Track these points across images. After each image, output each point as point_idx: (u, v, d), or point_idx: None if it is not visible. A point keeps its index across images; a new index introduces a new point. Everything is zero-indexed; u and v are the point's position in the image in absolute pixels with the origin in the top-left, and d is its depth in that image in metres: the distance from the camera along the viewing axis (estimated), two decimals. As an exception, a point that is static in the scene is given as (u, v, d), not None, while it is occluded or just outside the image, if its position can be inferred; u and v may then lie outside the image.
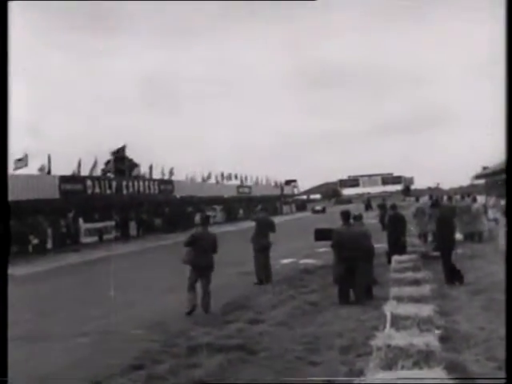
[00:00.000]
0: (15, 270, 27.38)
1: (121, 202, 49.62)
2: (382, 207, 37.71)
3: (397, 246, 19.23)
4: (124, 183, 50.65)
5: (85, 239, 41.96)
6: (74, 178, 44.88)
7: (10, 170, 37.70)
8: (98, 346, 11.63)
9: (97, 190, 46.18)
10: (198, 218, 15.64)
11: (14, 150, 38.99)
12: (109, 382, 8.83)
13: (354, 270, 14.07)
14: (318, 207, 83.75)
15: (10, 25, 7.51)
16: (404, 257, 17.18)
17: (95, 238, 43.33)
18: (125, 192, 50.33)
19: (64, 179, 42.71)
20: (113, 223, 46.80)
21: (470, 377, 7.96)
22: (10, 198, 29.10)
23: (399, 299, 10.95)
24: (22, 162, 39.40)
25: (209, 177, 70.42)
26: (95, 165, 48.85)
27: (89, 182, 45.54)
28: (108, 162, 57.25)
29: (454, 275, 15.59)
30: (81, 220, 42.91)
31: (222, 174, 74.10)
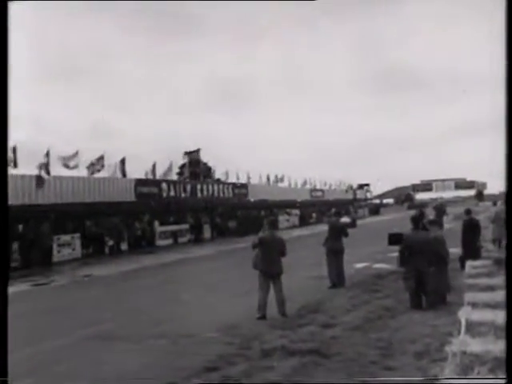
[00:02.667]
0: (93, 271, 27.97)
1: (195, 205, 50.03)
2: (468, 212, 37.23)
3: (471, 251, 19.02)
4: (198, 186, 51.02)
5: (160, 242, 42.45)
6: (150, 181, 45.38)
7: (85, 173, 38.37)
8: (173, 347, 11.76)
9: (172, 193, 46.62)
10: (265, 221, 15.67)
11: (91, 153, 39.78)
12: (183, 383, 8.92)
13: (425, 276, 13.97)
14: (345, 219, 59.96)
15: (10, 25, 7.54)
16: (478, 262, 16.95)
17: (170, 241, 43.82)
18: (199, 195, 50.70)
19: (140, 182, 43.24)
20: (187, 226, 47.22)
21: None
22: (87, 199, 29.72)
23: (474, 305, 10.81)
24: (99, 164, 40.02)
25: (282, 180, 70.40)
26: (170, 168, 49.35)
27: (164, 185, 45.97)
28: (183, 166, 57.70)
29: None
30: (156, 223, 43.43)
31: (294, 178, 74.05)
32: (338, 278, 18.29)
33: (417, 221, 14.78)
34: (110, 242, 37.48)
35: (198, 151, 56.43)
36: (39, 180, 33.53)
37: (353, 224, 49.75)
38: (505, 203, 8.99)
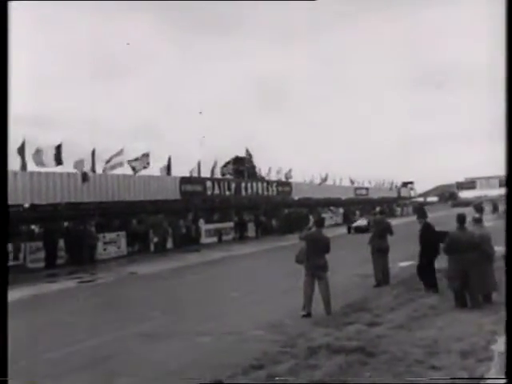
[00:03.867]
0: (139, 269, 28.18)
1: (239, 203, 50.17)
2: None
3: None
4: (243, 185, 51.15)
5: (204, 240, 42.60)
6: (195, 179, 45.58)
7: (130, 171, 38.67)
8: (219, 345, 11.85)
9: (216, 191, 46.81)
10: (312, 219, 15.74)
11: (136, 152, 40.09)
12: (230, 381, 8.94)
13: (470, 274, 13.86)
14: (360, 222, 52.51)
15: (10, 25, 7.57)
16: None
17: (214, 239, 43.96)
18: (243, 193, 50.83)
19: (184, 180, 43.47)
20: (231, 224, 47.33)
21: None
22: (133, 197, 30.01)
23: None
24: (144, 162, 40.31)
25: (326, 178, 70.26)
26: (215, 166, 49.52)
27: (208, 184, 46.19)
28: (227, 164, 57.86)
29: None
30: (201, 221, 43.59)
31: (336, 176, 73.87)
32: (383, 277, 18.26)
33: (462, 219, 14.66)
34: (155, 240, 37.71)
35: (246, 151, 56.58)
36: (84, 176, 33.96)
37: (367, 228, 44.96)
38: (505, 203, 8.90)
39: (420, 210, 19.18)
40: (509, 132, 7.87)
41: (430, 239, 16.32)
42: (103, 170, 37.04)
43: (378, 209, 21.14)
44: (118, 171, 38.05)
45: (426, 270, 16.23)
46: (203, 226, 43.36)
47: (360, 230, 47.47)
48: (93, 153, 36.52)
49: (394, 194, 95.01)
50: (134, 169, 39.14)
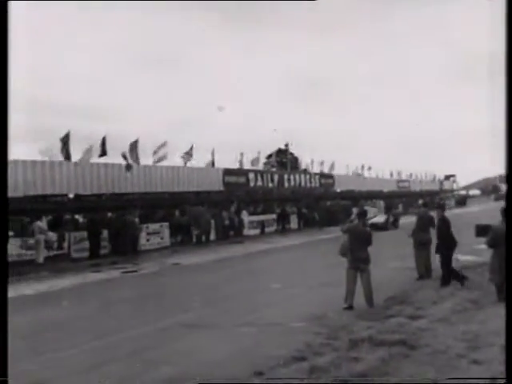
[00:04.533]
0: (182, 260, 28.35)
1: (282, 195, 50.20)
2: None
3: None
4: (285, 177, 51.19)
5: (247, 232, 42.67)
6: (238, 171, 45.74)
7: (176, 163, 39.03)
8: (261, 336, 11.93)
9: (259, 183, 46.93)
10: (355, 211, 15.77)
11: (182, 144, 40.39)
12: (272, 373, 8.96)
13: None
14: (378, 218, 46.66)
15: (10, 25, 7.55)
16: None
17: (257, 231, 44.01)
18: (286, 185, 50.87)
19: (228, 172, 43.64)
20: (274, 216, 47.35)
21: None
22: (176, 189, 30.19)
23: None
24: (189, 155, 40.68)
25: (369, 171, 70.05)
26: (258, 158, 49.68)
27: (251, 175, 46.32)
28: (270, 156, 58.00)
29: None
30: (244, 212, 43.65)
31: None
32: (425, 270, 18.21)
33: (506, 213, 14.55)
34: (198, 231, 37.86)
35: (286, 144, 56.66)
36: (128, 166, 34.36)
37: (385, 226, 43.15)
38: (505, 202, 8.84)
39: (438, 204, 19.17)
40: (509, 132, 7.87)
41: (447, 232, 16.38)
42: (154, 162, 37.48)
43: (421, 201, 21.00)
44: (163, 162, 38.47)
45: (447, 263, 16.25)
46: (246, 217, 43.40)
47: (376, 227, 40.73)
48: (136, 143, 36.83)
49: (437, 187, 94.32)
50: (185, 163, 39.72)
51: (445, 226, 16.74)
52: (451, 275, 16.30)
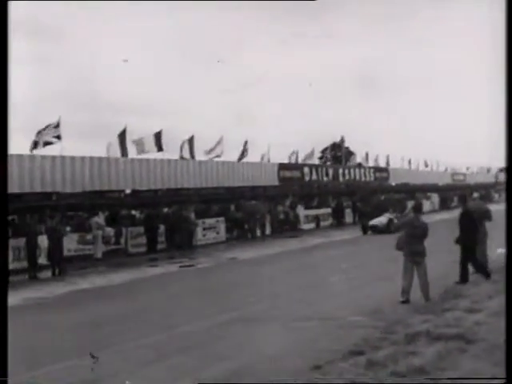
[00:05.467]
0: (238, 254, 28.48)
1: (337, 189, 50.11)
2: None
3: None
4: (340, 170, 51.11)
5: (303, 226, 42.64)
6: (293, 166, 45.83)
7: (231, 158, 39.28)
8: (318, 330, 11.95)
9: (314, 177, 46.93)
10: (410, 204, 15.74)
11: (237, 140, 40.62)
12: (330, 367, 8.90)
13: None
14: (381, 218, 38.87)
15: (10, 25, 7.59)
16: None
17: (312, 225, 43.97)
18: (341, 179, 50.79)
19: (283, 166, 43.73)
20: (329, 210, 47.25)
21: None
22: (231, 184, 30.25)
23: None
24: (244, 149, 41.00)
25: (426, 165, 69.53)
26: (312, 152, 49.70)
27: (306, 170, 46.35)
28: (325, 150, 57.95)
29: None
30: (300, 207, 43.61)
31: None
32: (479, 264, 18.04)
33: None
34: (254, 226, 37.96)
35: (342, 139, 56.56)
36: (182, 159, 34.82)
37: (387, 228, 36.06)
38: (506, 201, 8.72)
39: (461, 197, 19.04)
40: (509, 129, 7.82)
41: (469, 225, 16.22)
42: (209, 158, 37.89)
43: (475, 194, 20.82)
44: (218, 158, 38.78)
45: (472, 257, 16.10)
46: (302, 211, 43.36)
47: (377, 230, 37.06)
48: (191, 140, 37.17)
49: (492, 180, 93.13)
50: (241, 157, 40.03)
51: (468, 218, 16.58)
52: (477, 268, 16.12)
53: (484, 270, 16.13)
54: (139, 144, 34.00)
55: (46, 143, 29.47)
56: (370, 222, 38.79)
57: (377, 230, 37.16)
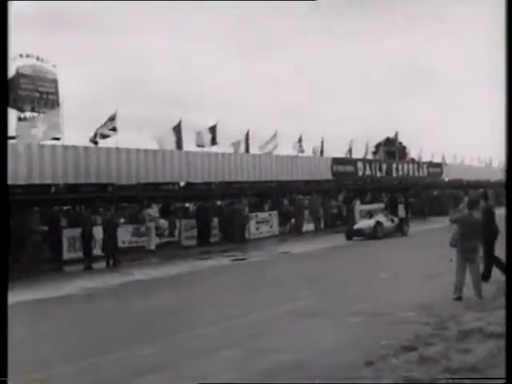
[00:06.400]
0: (290, 248, 28.57)
1: (390, 184, 49.92)
2: None
3: None
4: (394, 166, 50.90)
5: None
6: (346, 160, 45.80)
7: (285, 152, 39.41)
8: (370, 325, 11.96)
9: (367, 172, 46.85)
10: (465, 200, 15.63)
11: (290, 133, 40.71)
12: (382, 362, 8.93)
13: None
14: (366, 222, 34.58)
15: (10, 25, 7.39)
16: None
17: (366, 220, 43.68)
18: (394, 175, 50.58)
19: (336, 161, 43.71)
20: (382, 205, 47.04)
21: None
22: (284, 178, 30.20)
23: None
24: (300, 145, 41.17)
25: (479, 161, 68.97)
26: (366, 148, 49.63)
27: (360, 165, 46.30)
28: (378, 145, 57.76)
29: None
30: (357, 202, 43.43)
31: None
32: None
33: None
34: (303, 221, 38.05)
35: (395, 134, 56.28)
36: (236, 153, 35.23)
37: (373, 233, 32.04)
38: (506, 201, 8.61)
39: (483, 194, 18.89)
40: (509, 128, 7.76)
41: (491, 222, 16.09)
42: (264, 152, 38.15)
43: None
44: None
45: (491, 255, 15.95)
46: (358, 206, 43.23)
47: (362, 234, 32.59)
48: (247, 134, 37.43)
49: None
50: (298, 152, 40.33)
51: (489, 215, 16.47)
52: (496, 264, 15.96)
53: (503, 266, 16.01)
54: (199, 137, 34.36)
55: (103, 136, 29.89)
56: (355, 226, 34.18)
57: (363, 234, 32.40)
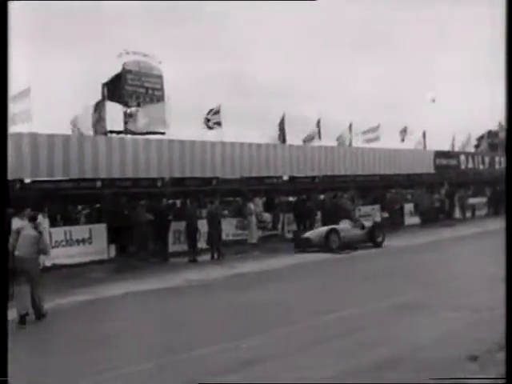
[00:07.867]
0: (392, 242, 28.28)
1: (493, 177, 49.27)
2: None
3: None
4: (497, 159, 50.18)
5: (457, 214, 42.22)
6: (449, 153, 45.45)
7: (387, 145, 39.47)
8: (471, 320, 11.91)
9: (470, 165, 46.37)
10: None
11: (391, 126, 40.72)
12: (486, 357, 8.98)
13: None
14: (316, 231, 28.24)
15: (9, 25, 7.58)
16: None
17: (468, 214, 43.23)
18: (497, 167, 49.87)
19: (439, 154, 43.42)
20: (484, 199, 46.48)
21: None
22: (386, 171, 30.02)
23: None
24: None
25: None
26: (469, 140, 49.15)
27: (462, 158, 45.88)
28: (481, 138, 56.95)
29: None
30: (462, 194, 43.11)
31: None
32: None
33: None
34: (409, 213, 38.05)
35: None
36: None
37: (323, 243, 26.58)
38: (506, 201, 8.49)
39: None
40: (509, 126, 7.74)
41: None
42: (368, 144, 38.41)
43: None
44: (373, 145, 39.04)
45: None
46: (467, 200, 42.90)
47: (309, 244, 27.02)
48: (350, 127, 37.65)
49: None
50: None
51: None
52: None
53: None
54: (309, 135, 34.90)
55: (209, 127, 30.63)
56: (304, 234, 28.24)
57: (310, 245, 26.99)
